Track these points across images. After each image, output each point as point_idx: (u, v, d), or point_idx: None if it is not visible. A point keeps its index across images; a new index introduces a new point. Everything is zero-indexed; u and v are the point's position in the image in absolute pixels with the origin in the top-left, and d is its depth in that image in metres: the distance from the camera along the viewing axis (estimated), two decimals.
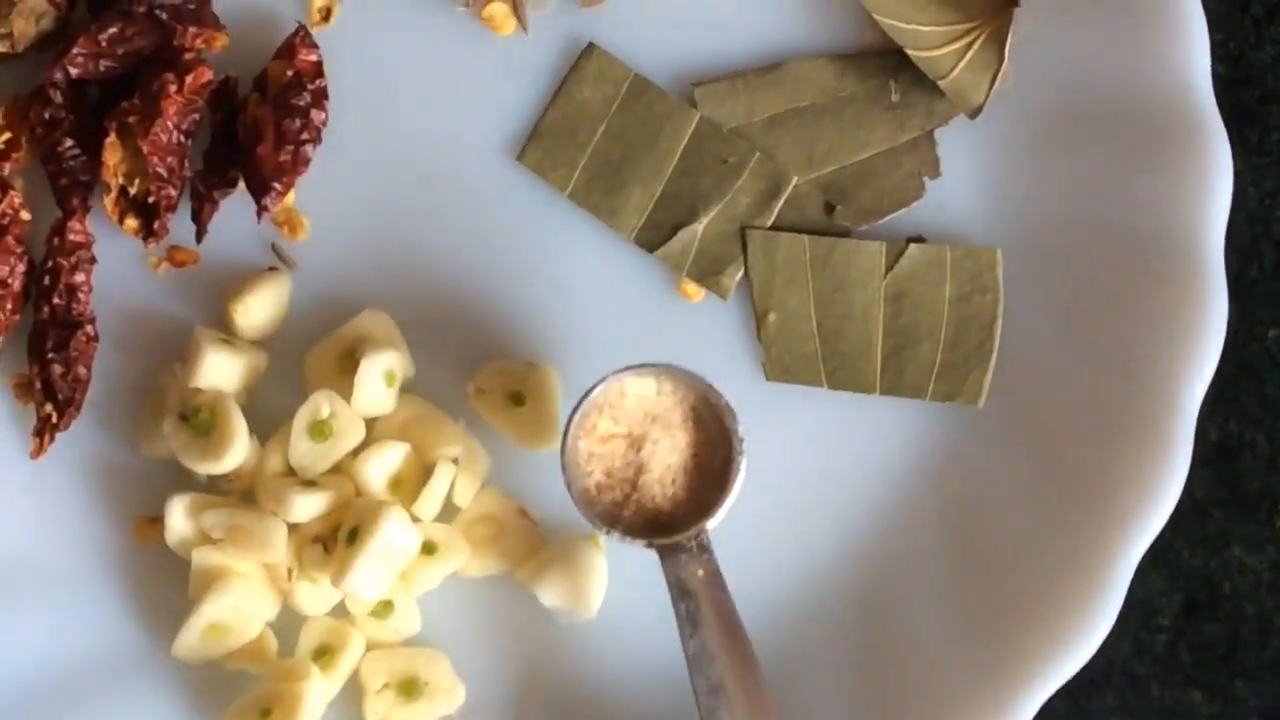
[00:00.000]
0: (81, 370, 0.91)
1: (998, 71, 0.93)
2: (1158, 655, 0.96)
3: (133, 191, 0.92)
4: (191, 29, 0.92)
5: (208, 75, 0.91)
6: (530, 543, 0.93)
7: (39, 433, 0.92)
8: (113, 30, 0.91)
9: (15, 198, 0.92)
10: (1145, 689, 0.96)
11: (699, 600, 0.88)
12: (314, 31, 0.93)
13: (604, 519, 0.89)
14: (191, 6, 0.92)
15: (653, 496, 0.90)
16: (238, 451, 0.90)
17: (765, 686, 0.88)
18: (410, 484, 0.91)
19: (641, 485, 0.90)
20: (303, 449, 0.90)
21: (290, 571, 0.91)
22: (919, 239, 0.94)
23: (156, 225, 0.92)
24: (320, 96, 0.92)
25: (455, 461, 0.91)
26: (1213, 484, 0.97)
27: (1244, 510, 0.97)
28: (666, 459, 0.90)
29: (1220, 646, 0.95)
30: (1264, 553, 0.97)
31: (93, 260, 0.92)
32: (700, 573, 0.89)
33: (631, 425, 0.90)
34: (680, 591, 0.89)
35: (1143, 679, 0.96)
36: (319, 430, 0.90)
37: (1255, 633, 0.96)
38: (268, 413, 0.92)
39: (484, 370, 0.92)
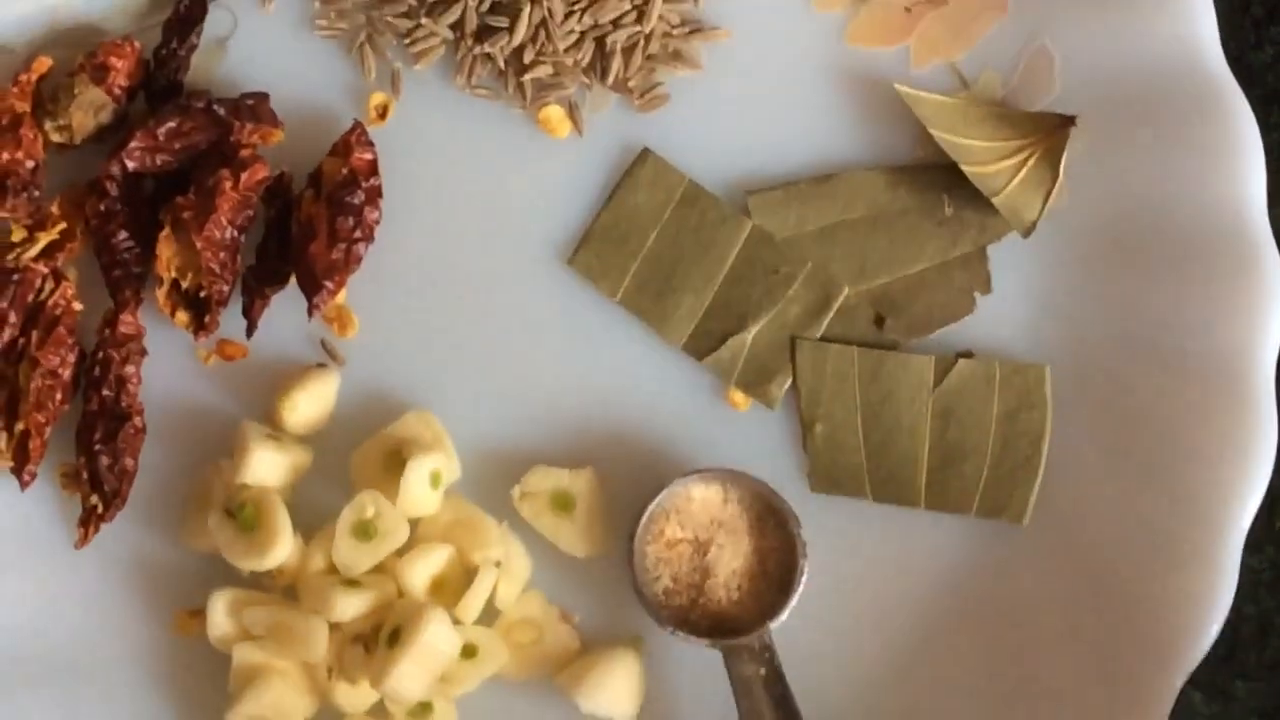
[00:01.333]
0: (128, 462, 0.92)
1: (1051, 189, 0.93)
2: None
3: (185, 285, 0.92)
4: (249, 125, 0.92)
5: (263, 173, 0.92)
6: (570, 648, 0.93)
7: (84, 523, 0.92)
8: (170, 125, 0.92)
9: (68, 288, 0.92)
10: None
11: (760, 699, 0.90)
12: (370, 129, 0.94)
13: (671, 621, 0.91)
14: (250, 102, 0.93)
15: (718, 599, 0.91)
16: (281, 549, 0.90)
17: None
18: (452, 586, 0.91)
19: (707, 589, 0.91)
20: (346, 548, 0.90)
21: (330, 671, 0.91)
22: (968, 354, 0.94)
23: (207, 319, 0.92)
24: (374, 195, 0.93)
25: (498, 565, 0.91)
26: None
27: None
28: (731, 564, 0.91)
29: (1220, 646, 0.93)
30: (1264, 553, 0.97)
31: (143, 352, 0.93)
32: (762, 671, 0.90)
33: (698, 530, 0.92)
34: (743, 689, 0.90)
35: None
36: (363, 530, 0.90)
37: (1255, 633, 0.96)
38: (312, 510, 0.92)
39: (530, 474, 0.92)
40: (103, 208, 0.92)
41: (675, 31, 0.95)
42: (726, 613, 0.91)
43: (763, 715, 0.90)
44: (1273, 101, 0.98)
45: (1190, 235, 0.92)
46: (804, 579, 0.91)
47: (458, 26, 0.95)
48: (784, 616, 0.91)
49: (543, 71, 0.95)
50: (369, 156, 0.93)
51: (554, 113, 0.95)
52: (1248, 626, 0.96)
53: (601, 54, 0.95)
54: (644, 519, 0.91)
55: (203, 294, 0.92)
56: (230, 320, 0.93)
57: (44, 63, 0.93)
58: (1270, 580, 0.97)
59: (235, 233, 0.92)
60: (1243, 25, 0.99)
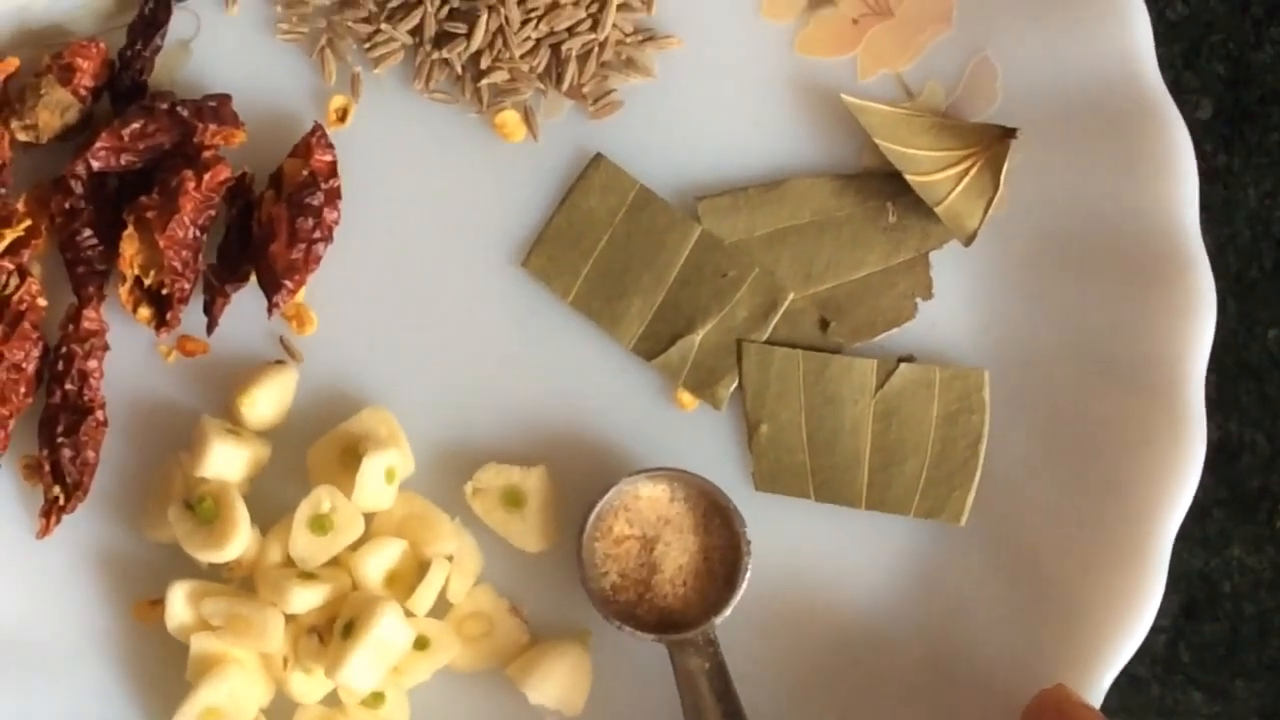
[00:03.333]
0: (90, 454, 0.94)
1: (992, 198, 0.95)
2: (1158, 655, 0.98)
3: (147, 282, 0.94)
4: (211, 126, 0.94)
5: (225, 173, 0.93)
6: (519, 640, 0.95)
7: (46, 514, 0.94)
8: (135, 126, 0.93)
9: (33, 284, 0.94)
10: (1145, 689, 0.98)
11: (703, 693, 0.92)
12: (330, 131, 0.95)
13: (618, 616, 0.93)
14: (212, 104, 0.94)
15: (664, 595, 0.93)
16: (239, 541, 0.92)
17: None
18: (406, 579, 0.93)
19: (654, 585, 0.93)
20: (303, 542, 0.92)
21: (286, 660, 0.93)
22: (909, 358, 0.96)
23: (169, 316, 0.94)
24: (334, 196, 0.94)
25: (450, 559, 0.93)
26: (1213, 484, 0.98)
27: (1244, 510, 0.98)
28: (678, 560, 0.93)
29: (1220, 646, 0.96)
30: (1264, 553, 0.98)
31: (105, 347, 0.94)
32: (706, 665, 0.92)
33: (645, 528, 0.93)
34: (687, 682, 0.92)
35: (1143, 679, 0.98)
36: (319, 524, 0.92)
37: (1255, 633, 0.98)
38: (270, 504, 0.94)
39: (483, 470, 0.94)
40: (68, 206, 0.94)
41: (628, 39, 0.97)
42: (672, 608, 0.94)
43: (706, 709, 0.92)
44: (1272, 101, 1.00)
45: (1125, 245, 0.94)
46: (748, 575, 0.93)
47: (417, 32, 0.97)
48: (728, 612, 0.93)
49: (499, 77, 0.96)
50: (329, 158, 0.95)
51: (510, 118, 0.97)
52: (1248, 626, 0.98)
53: (557, 61, 0.97)
54: (593, 516, 0.93)
55: (165, 291, 0.94)
56: (191, 317, 0.95)
57: (11, 63, 0.95)
58: (1270, 580, 0.98)
59: (197, 232, 0.94)
60: (1243, 25, 1.00)
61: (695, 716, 0.92)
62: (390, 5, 0.96)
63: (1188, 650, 0.98)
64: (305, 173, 0.94)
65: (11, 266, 0.94)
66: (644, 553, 0.94)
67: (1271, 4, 1.00)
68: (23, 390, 0.94)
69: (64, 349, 0.94)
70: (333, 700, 0.94)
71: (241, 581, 0.94)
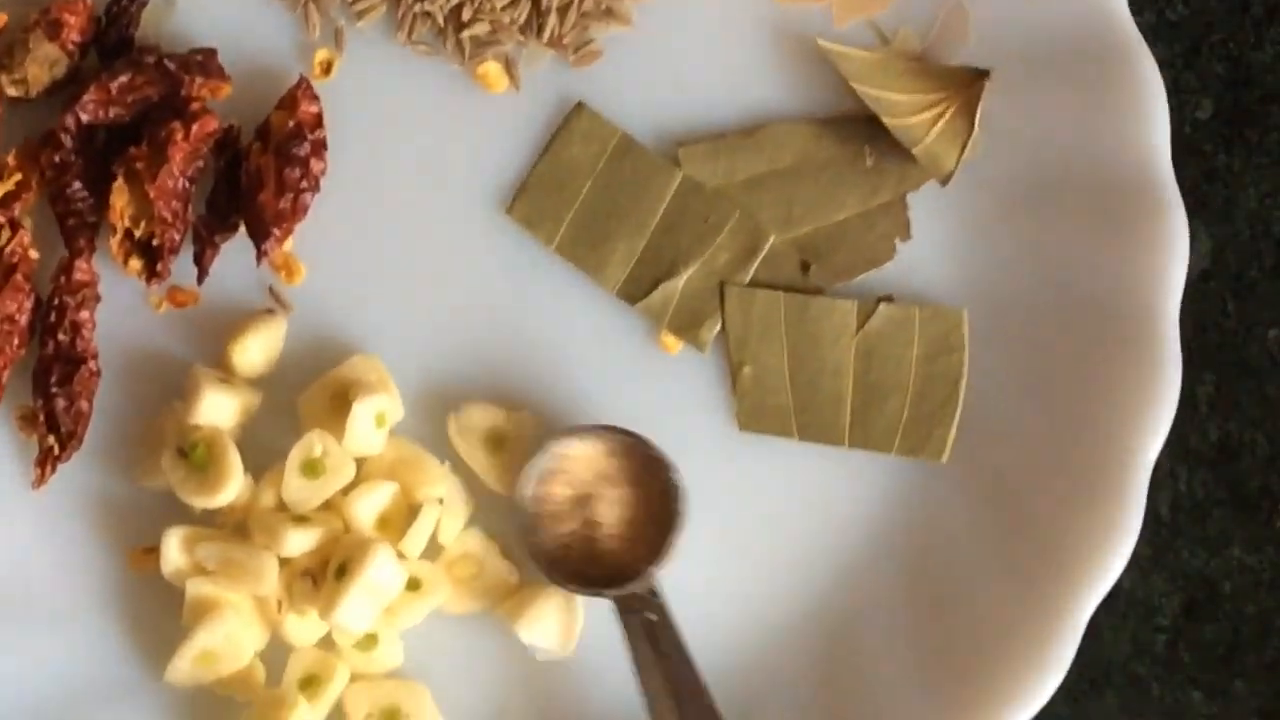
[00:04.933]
0: (84, 404, 0.94)
1: (967, 140, 0.96)
2: (1158, 655, 0.98)
3: (137, 234, 0.95)
4: (198, 79, 0.95)
5: (213, 124, 0.94)
6: (510, 581, 0.95)
7: (40, 464, 0.95)
8: (123, 79, 0.94)
9: (24, 236, 0.95)
10: (1145, 689, 0.98)
11: (651, 644, 0.92)
12: (315, 84, 0.96)
13: (565, 576, 0.93)
14: (199, 58, 0.95)
15: (611, 550, 0.94)
16: (232, 487, 0.93)
17: None
18: (397, 522, 0.94)
19: (599, 540, 0.94)
20: (295, 486, 0.93)
21: (280, 604, 0.93)
22: (889, 299, 0.97)
23: (159, 267, 0.95)
24: (320, 147, 0.96)
25: (440, 502, 0.94)
26: (1213, 484, 0.99)
27: (1244, 510, 0.98)
28: (617, 513, 0.94)
29: (1220, 646, 0.96)
30: (1264, 553, 0.98)
31: (97, 299, 0.95)
32: (653, 618, 0.92)
33: (581, 486, 0.94)
34: (633, 638, 0.92)
35: (1143, 679, 0.98)
36: (311, 468, 0.93)
37: (1255, 633, 0.98)
38: (262, 450, 0.95)
39: (470, 408, 0.95)
40: (57, 159, 0.95)
41: None
42: (622, 563, 0.93)
43: (652, 662, 0.91)
44: (1272, 101, 1.00)
45: (1099, 184, 0.95)
46: (681, 525, 0.92)
47: None
48: (666, 561, 0.93)
49: (480, 29, 0.97)
50: (314, 110, 0.96)
51: (491, 69, 0.98)
52: (1248, 626, 0.98)
53: (537, 12, 0.98)
54: (528, 482, 0.93)
55: (155, 242, 0.94)
56: (182, 268, 0.96)
57: None
58: (1270, 580, 0.98)
59: (186, 183, 0.95)
60: (1243, 25, 1.00)
61: (642, 671, 0.92)
62: None
63: (1188, 650, 0.98)
64: (291, 124, 0.95)
65: (3, 220, 0.94)
66: (582, 510, 0.94)
67: (1271, 4, 1.00)
68: (16, 342, 0.95)
69: (56, 301, 0.95)
70: (327, 643, 0.94)
71: (235, 527, 0.95)
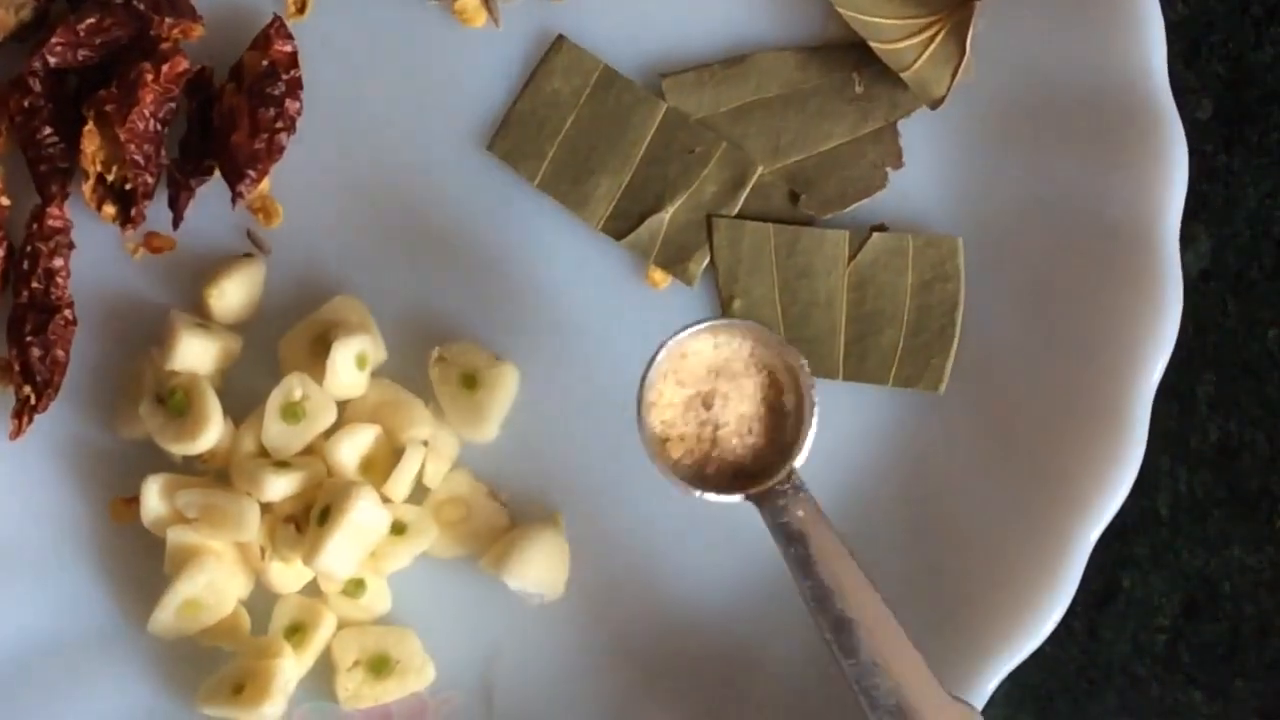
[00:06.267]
0: (59, 353, 0.93)
1: (959, 64, 0.94)
2: (1158, 655, 0.97)
3: (110, 179, 0.93)
4: (168, 19, 0.93)
5: (184, 64, 0.93)
6: (498, 525, 0.94)
7: (17, 414, 0.93)
8: (91, 21, 0.93)
9: None
10: (1145, 689, 0.97)
11: (807, 541, 0.88)
12: (289, 23, 0.95)
13: (691, 482, 0.89)
14: None
15: (734, 449, 0.90)
16: (212, 432, 0.92)
17: (891, 614, 0.88)
18: (381, 465, 0.93)
19: (720, 440, 0.90)
20: (275, 430, 0.92)
21: (263, 550, 0.92)
22: (882, 228, 0.95)
23: (134, 212, 0.93)
24: (295, 86, 0.94)
25: (425, 444, 0.93)
26: (1213, 484, 0.97)
27: (1244, 510, 0.97)
28: (739, 409, 0.90)
29: (1220, 646, 0.95)
30: (1264, 553, 0.97)
31: (71, 246, 0.94)
32: (801, 513, 0.88)
33: (698, 384, 0.90)
34: (786, 537, 0.88)
35: (1143, 679, 0.97)
36: (292, 412, 0.92)
37: (1255, 633, 0.97)
38: (242, 395, 0.93)
39: (453, 344, 0.94)
40: (27, 104, 0.94)
41: None
42: (743, 461, 0.90)
43: (812, 558, 0.87)
44: (1273, 101, 0.99)
45: (1095, 106, 0.93)
46: (817, 409, 0.88)
47: None
48: (805, 451, 0.88)
49: None
50: (288, 49, 0.94)
51: (469, 3, 0.96)
52: (1248, 626, 0.97)
53: None
54: (643, 389, 0.88)
55: (128, 187, 0.93)
56: (157, 213, 0.95)
57: None
58: (1270, 580, 0.97)
59: (158, 125, 0.93)
60: (1243, 25, 0.99)
61: (802, 569, 0.87)
62: None
63: (1188, 650, 0.97)
64: (265, 64, 0.94)
65: None
66: (702, 410, 0.90)
67: (1272, 4, 0.99)
68: None
69: (29, 248, 0.93)
70: (313, 590, 0.93)
71: (216, 473, 0.94)
